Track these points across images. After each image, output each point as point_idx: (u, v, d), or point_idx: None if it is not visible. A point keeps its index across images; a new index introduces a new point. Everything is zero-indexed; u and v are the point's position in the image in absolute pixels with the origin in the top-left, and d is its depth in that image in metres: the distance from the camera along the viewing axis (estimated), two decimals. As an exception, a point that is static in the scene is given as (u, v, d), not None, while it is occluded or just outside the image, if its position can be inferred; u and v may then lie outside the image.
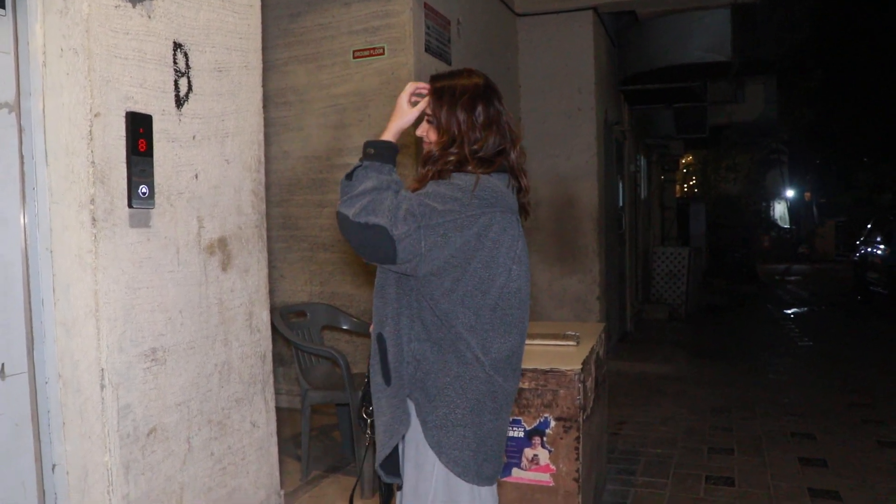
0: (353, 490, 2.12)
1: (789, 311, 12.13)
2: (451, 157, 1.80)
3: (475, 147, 1.81)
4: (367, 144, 1.83)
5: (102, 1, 2.24)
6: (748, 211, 21.93)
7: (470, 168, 1.79)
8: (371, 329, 2.00)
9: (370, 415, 1.96)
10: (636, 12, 7.28)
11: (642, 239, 11.40)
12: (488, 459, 1.81)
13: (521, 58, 6.89)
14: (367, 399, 1.98)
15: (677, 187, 18.18)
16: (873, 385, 6.35)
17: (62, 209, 2.25)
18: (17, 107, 2.24)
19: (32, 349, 2.28)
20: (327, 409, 4.63)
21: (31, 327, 2.28)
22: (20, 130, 2.25)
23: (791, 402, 5.75)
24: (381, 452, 1.83)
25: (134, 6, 2.36)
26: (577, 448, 2.94)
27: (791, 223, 29.28)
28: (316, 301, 4.80)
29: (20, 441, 2.27)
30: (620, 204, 8.65)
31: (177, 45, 2.55)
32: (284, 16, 4.85)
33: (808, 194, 30.39)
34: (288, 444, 4.11)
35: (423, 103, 1.90)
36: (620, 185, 8.64)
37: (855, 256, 12.78)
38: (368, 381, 1.99)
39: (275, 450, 3.12)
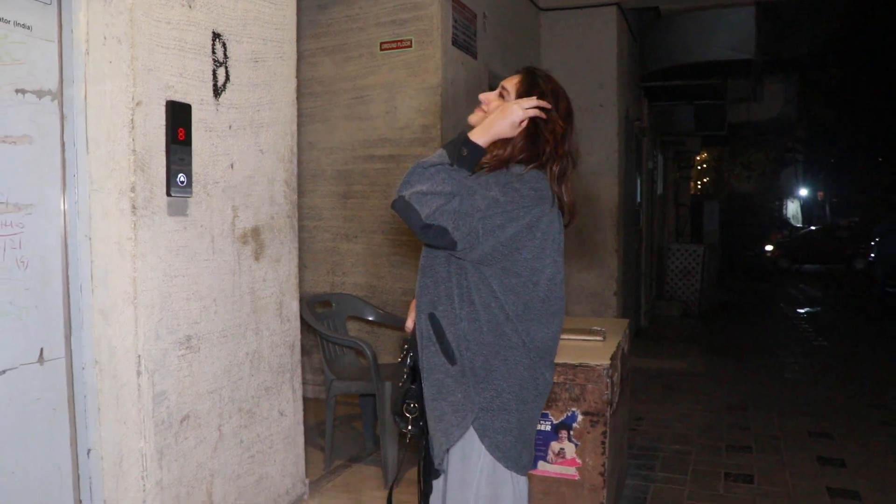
0: (391, 489, 2.14)
1: (802, 311, 12.09)
2: (535, 159, 1.84)
3: (556, 162, 1.86)
4: (465, 143, 1.82)
5: (146, -10, 2.26)
6: (762, 209, 21.84)
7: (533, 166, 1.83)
8: (411, 314, 2.01)
9: (412, 411, 1.94)
10: (659, 8, 7.25)
11: (657, 235, 11.37)
12: (527, 448, 1.83)
13: (543, 52, 6.88)
14: (408, 396, 1.97)
15: (692, 184, 18.13)
16: (891, 386, 6.33)
17: (102, 196, 2.26)
18: (59, 95, 2.25)
19: (70, 335, 2.30)
20: (348, 398, 4.66)
21: (69, 313, 2.30)
22: (62, 118, 2.26)
23: (808, 401, 5.74)
24: (454, 434, 1.79)
25: (175, -5, 2.37)
26: (603, 443, 2.95)
27: (804, 222, 29.14)
28: (338, 291, 4.83)
29: (57, 425, 2.29)
30: (638, 200, 8.63)
31: (215, 35, 2.56)
32: (312, 7, 4.85)
33: (820, 193, 30.24)
34: (310, 433, 4.13)
35: (526, 106, 1.86)
36: (638, 181, 8.62)
37: (870, 256, 12.73)
38: (408, 378, 1.98)
39: (301, 439, 3.15)
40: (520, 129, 1.86)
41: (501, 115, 1.84)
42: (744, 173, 21.46)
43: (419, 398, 1.92)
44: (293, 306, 3.08)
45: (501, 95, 1.95)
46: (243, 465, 2.76)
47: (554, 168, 1.89)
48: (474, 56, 5.18)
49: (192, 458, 2.50)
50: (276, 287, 2.95)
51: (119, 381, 2.29)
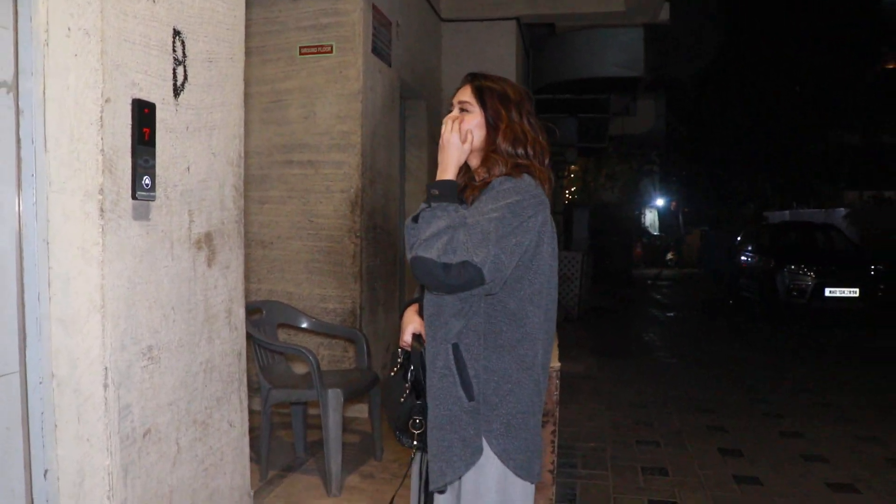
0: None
1: (671, 314, 12.89)
2: (521, 161, 1.88)
3: (543, 154, 1.93)
4: (431, 186, 1.84)
5: (115, -19, 2.14)
6: (625, 218, 23.08)
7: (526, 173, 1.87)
8: (407, 329, 2.01)
9: (417, 427, 1.90)
10: (555, 25, 7.55)
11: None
12: (537, 456, 1.88)
13: (444, 62, 6.99)
14: (413, 411, 1.92)
15: (564, 193, 18.89)
16: (762, 380, 6.92)
17: (63, 198, 2.12)
18: (15, 87, 2.10)
19: (25, 347, 2.13)
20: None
21: (25, 323, 2.14)
22: (18, 112, 2.11)
23: (699, 398, 6.15)
24: (459, 468, 1.79)
25: (141, -12, 2.26)
26: (553, 441, 3.05)
27: (660, 230, 31.04)
28: (253, 299, 4.70)
29: (10, 446, 2.12)
30: (528, 208, 8.91)
31: (176, 33, 2.46)
32: (227, 6, 4.71)
33: (674, 203, 32.35)
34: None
35: (468, 132, 1.91)
36: (528, 190, 8.90)
37: (731, 264, 13.77)
38: (411, 393, 1.96)
39: (247, 450, 3.06)
40: (472, 143, 1.93)
41: (445, 151, 1.89)
42: (608, 183, 22.64)
43: (424, 414, 1.89)
44: (240, 314, 2.98)
45: (465, 110, 1.97)
46: (198, 480, 2.65)
47: (538, 163, 1.97)
48: (389, 64, 5.21)
49: (154, 474, 2.37)
50: (226, 294, 2.85)
51: (81, 396, 2.15)
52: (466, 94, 1.99)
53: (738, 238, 14.20)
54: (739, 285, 13.25)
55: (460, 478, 1.82)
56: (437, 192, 1.82)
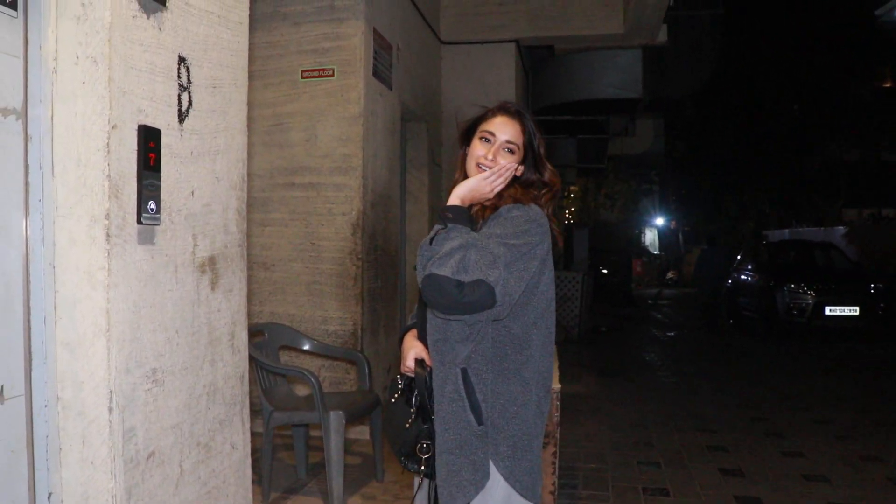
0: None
1: (671, 334, 12.88)
2: (542, 198, 1.97)
3: (551, 203, 2.00)
4: (446, 209, 1.89)
5: (122, 11, 2.19)
6: (625, 237, 23.15)
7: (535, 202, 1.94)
8: (409, 353, 2.03)
9: (425, 451, 1.91)
10: (554, 47, 7.64)
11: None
12: (541, 477, 1.90)
13: (444, 84, 7.06)
14: (420, 436, 1.93)
15: (564, 213, 18.95)
16: (764, 400, 6.91)
17: (69, 223, 2.15)
18: (24, 114, 2.13)
19: (31, 370, 2.15)
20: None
21: (30, 347, 2.16)
22: (26, 138, 2.14)
23: (700, 417, 6.15)
24: (469, 492, 1.80)
25: (148, 17, 2.31)
26: (553, 463, 3.07)
27: (661, 250, 31.10)
28: (255, 321, 4.72)
29: (15, 469, 2.13)
30: (528, 229, 8.95)
31: (181, 59, 2.50)
32: (229, 31, 4.77)
33: (673, 222, 32.43)
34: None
35: (500, 181, 1.96)
36: (528, 210, 8.94)
37: (728, 282, 13.78)
38: (418, 417, 1.97)
39: (249, 472, 3.06)
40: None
41: (474, 193, 1.94)
42: (607, 203, 22.74)
43: (432, 438, 1.90)
44: (243, 337, 3.00)
45: (512, 151, 2.01)
46: (201, 502, 2.65)
47: (548, 200, 2.02)
48: (390, 87, 5.27)
49: (157, 497, 2.38)
50: (229, 317, 2.87)
51: (86, 419, 2.16)
52: (517, 136, 2.02)
53: (739, 256, 14.20)
54: (739, 304, 13.23)
55: (469, 502, 1.84)
56: (450, 215, 1.87)
